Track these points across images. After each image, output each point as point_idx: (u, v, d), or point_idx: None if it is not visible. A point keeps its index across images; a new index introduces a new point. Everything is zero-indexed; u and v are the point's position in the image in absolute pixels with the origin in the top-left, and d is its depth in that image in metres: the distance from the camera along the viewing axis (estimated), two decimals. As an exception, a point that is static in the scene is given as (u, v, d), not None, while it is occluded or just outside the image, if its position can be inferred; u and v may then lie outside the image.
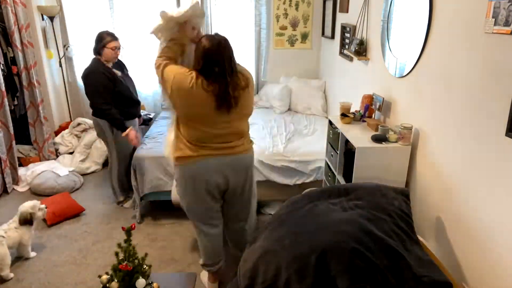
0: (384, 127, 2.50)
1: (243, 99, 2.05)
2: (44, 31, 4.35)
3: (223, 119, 2.03)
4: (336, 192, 1.91)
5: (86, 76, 3.13)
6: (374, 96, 2.85)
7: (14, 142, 3.87)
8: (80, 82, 4.79)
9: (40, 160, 4.31)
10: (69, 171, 3.98)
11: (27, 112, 4.21)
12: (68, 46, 4.53)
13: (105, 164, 4.51)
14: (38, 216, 2.80)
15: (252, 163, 2.28)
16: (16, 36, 3.88)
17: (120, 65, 3.39)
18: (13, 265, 2.73)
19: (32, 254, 2.84)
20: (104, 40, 3.11)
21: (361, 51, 3.15)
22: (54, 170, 3.89)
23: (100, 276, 1.77)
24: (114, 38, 3.17)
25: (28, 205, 2.76)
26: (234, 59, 2.06)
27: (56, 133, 4.59)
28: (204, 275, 2.55)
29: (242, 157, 2.18)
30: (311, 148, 3.33)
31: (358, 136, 2.54)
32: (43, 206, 2.84)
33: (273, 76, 4.90)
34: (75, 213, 3.37)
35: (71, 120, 4.90)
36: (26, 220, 2.72)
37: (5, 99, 3.70)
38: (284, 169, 3.20)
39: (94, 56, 3.20)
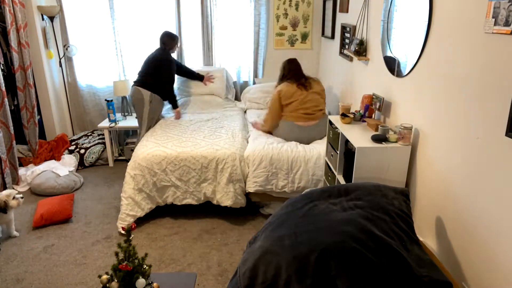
0: (384, 127, 2.50)
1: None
2: (44, 31, 4.35)
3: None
4: (336, 192, 1.91)
5: (165, 59, 3.98)
6: (374, 96, 2.85)
7: (14, 142, 3.87)
8: (80, 82, 4.80)
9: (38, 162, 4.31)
10: (69, 171, 3.98)
11: (20, 113, 4.18)
12: (68, 46, 4.54)
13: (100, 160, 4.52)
14: (12, 204, 2.93)
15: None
16: (12, 36, 3.87)
17: None
18: (13, 265, 2.74)
19: (15, 233, 3.09)
20: (177, 40, 4.06)
21: (361, 51, 3.15)
22: (54, 170, 3.89)
23: (100, 276, 1.77)
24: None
25: (4, 194, 2.91)
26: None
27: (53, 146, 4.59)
28: None
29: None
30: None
31: (358, 136, 2.54)
32: (19, 195, 2.97)
33: (274, 76, 4.90)
34: (63, 218, 3.26)
35: (71, 121, 4.91)
36: (0, 208, 2.90)
37: (5, 99, 3.70)
38: None
39: (162, 48, 4.01)
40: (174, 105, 4.13)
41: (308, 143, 3.44)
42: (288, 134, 3.46)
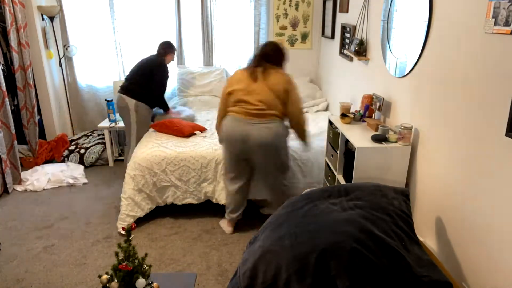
0: (384, 127, 2.50)
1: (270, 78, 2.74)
2: (44, 31, 4.35)
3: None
4: (336, 192, 1.91)
5: (160, 64, 3.80)
6: (374, 96, 2.85)
7: (15, 142, 3.86)
8: (80, 82, 4.80)
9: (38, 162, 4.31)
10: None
11: (20, 113, 4.19)
12: (68, 46, 4.54)
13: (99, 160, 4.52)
14: None
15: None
16: (12, 36, 3.87)
17: None
18: (13, 265, 2.74)
19: None
20: (174, 51, 3.95)
21: (361, 51, 3.15)
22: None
23: (100, 276, 1.77)
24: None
25: None
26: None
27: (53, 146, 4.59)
28: (222, 222, 3.21)
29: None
30: None
31: (358, 136, 2.54)
32: None
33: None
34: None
35: (71, 121, 4.91)
36: None
37: (6, 99, 3.70)
38: None
39: (157, 54, 3.87)
40: (165, 108, 3.95)
41: (256, 146, 2.72)
42: (228, 131, 2.78)
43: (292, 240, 1.58)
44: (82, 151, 4.40)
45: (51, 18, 4.39)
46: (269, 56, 2.78)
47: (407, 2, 2.44)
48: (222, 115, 2.92)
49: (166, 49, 3.85)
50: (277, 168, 2.88)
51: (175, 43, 4.70)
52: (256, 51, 2.87)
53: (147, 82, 3.75)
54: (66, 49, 4.56)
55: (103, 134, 4.68)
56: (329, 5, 4.29)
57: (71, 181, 3.94)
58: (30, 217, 3.37)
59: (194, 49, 4.81)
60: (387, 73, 2.74)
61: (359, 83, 3.37)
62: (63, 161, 4.37)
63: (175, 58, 4.76)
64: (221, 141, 3.00)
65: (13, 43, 3.90)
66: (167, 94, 4.91)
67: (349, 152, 2.58)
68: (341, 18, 3.90)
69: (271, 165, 2.85)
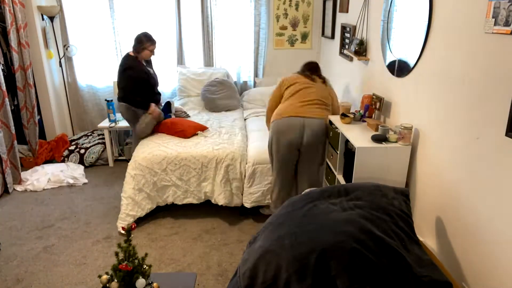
0: (384, 127, 2.50)
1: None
2: (44, 31, 4.35)
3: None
4: (336, 192, 1.91)
5: (124, 70, 3.51)
6: (374, 96, 2.85)
7: (15, 142, 3.86)
8: (80, 82, 4.80)
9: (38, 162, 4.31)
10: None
11: (20, 113, 4.19)
12: (68, 46, 4.54)
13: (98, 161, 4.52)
14: None
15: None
16: (12, 36, 3.87)
17: (149, 62, 3.82)
18: (13, 265, 2.74)
19: None
20: (145, 44, 3.53)
21: (361, 51, 3.15)
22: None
23: (100, 276, 1.77)
24: (153, 42, 3.59)
25: None
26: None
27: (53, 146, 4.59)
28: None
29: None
30: None
31: (358, 136, 2.54)
32: None
33: (274, 76, 4.90)
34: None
35: (71, 121, 4.91)
36: None
37: (6, 99, 3.70)
38: None
39: (130, 54, 3.57)
40: (146, 107, 3.61)
41: (302, 140, 2.89)
42: (280, 131, 2.92)
43: (292, 240, 1.58)
44: (82, 151, 4.40)
45: (51, 18, 4.39)
46: None
47: (407, 2, 2.44)
48: None
49: (136, 46, 3.56)
50: None
51: (175, 43, 4.70)
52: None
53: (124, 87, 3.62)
54: (66, 49, 4.56)
55: (103, 134, 4.68)
56: (329, 5, 4.29)
57: (71, 181, 3.95)
58: (30, 217, 3.37)
59: (194, 49, 4.81)
60: (387, 73, 2.74)
61: (359, 83, 3.36)
62: (63, 161, 4.37)
63: (175, 57, 4.78)
64: None
65: (13, 43, 3.90)
66: (167, 94, 4.91)
67: (349, 152, 2.58)
68: (341, 18, 3.90)
69: None
